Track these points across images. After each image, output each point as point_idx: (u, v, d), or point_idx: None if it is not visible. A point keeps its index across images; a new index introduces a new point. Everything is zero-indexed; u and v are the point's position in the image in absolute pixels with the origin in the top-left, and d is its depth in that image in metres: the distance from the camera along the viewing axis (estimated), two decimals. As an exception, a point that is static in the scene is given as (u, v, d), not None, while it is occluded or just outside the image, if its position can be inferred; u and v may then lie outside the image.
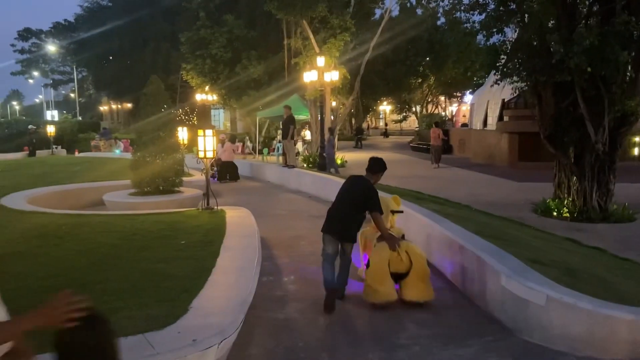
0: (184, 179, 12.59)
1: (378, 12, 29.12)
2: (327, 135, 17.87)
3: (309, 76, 18.71)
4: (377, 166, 5.62)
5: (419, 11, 35.41)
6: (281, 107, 18.57)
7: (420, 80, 44.19)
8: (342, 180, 6.24)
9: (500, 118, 22.13)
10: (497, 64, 10.79)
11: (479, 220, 8.17)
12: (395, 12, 32.85)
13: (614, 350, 4.01)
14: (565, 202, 10.31)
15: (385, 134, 52.20)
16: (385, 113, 61.14)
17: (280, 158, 18.89)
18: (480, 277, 5.41)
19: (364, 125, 54.18)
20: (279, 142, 20.81)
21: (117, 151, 28.38)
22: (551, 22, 9.83)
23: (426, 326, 4.91)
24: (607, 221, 9.81)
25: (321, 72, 17.40)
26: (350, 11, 21.49)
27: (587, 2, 10.16)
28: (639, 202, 10.70)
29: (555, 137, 10.21)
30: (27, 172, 17.64)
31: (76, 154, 29.28)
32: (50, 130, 29.67)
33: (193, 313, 4.11)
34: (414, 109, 49.45)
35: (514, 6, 9.88)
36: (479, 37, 12.78)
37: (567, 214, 10.14)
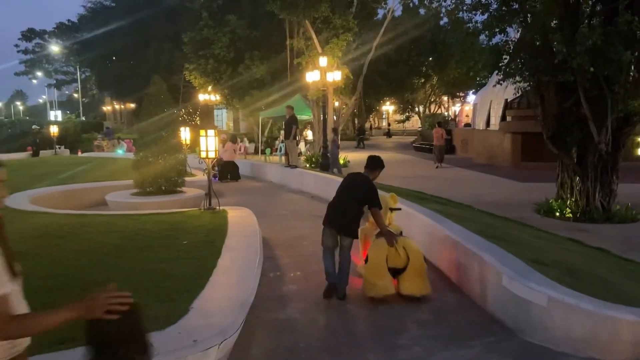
0: (186, 179, 12.61)
1: (381, 12, 29.11)
2: (329, 135, 17.87)
3: (311, 76, 18.70)
4: (375, 164, 5.82)
5: (422, 11, 35.37)
6: (284, 107, 18.58)
7: (423, 80, 44.10)
8: (344, 181, 6.35)
9: (503, 118, 22.08)
10: (500, 64, 10.77)
11: (481, 220, 8.15)
12: (398, 12, 32.89)
13: (616, 351, 3.99)
14: (568, 202, 10.28)
15: (388, 134, 52.17)
16: (388, 113, 61.09)
17: (283, 158, 18.90)
18: (481, 277, 5.39)
19: (367, 125, 54.19)
20: (282, 142, 20.83)
21: (120, 151, 28.43)
22: (554, 22, 9.81)
23: (427, 327, 4.90)
24: (610, 222, 9.78)
25: (324, 72, 17.38)
26: (353, 11, 21.48)
27: (590, 2, 10.13)
28: (643, 203, 10.67)
29: (558, 137, 10.19)
30: (30, 172, 17.68)
31: (79, 154, 29.34)
32: (54, 130, 29.77)
33: (194, 313, 4.11)
34: (416, 109, 49.37)
35: (517, 6, 9.86)
36: (482, 37, 12.74)
37: (570, 215, 10.11)
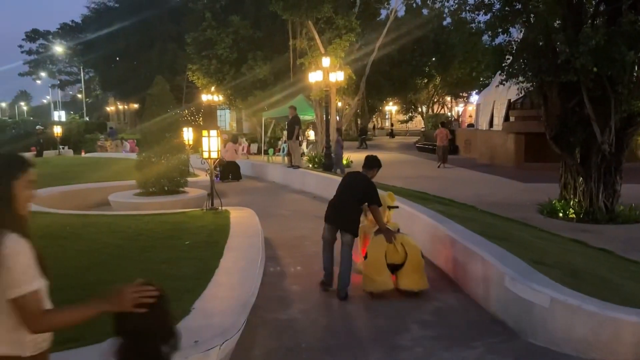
0: (189, 179, 12.62)
1: (384, 12, 29.08)
2: (332, 135, 17.86)
3: (314, 76, 18.71)
4: (372, 163, 6.01)
5: (425, 11, 35.37)
6: (287, 108, 18.58)
7: (426, 81, 44.05)
8: (346, 181, 6.39)
9: (507, 118, 22.03)
10: (503, 64, 10.74)
11: (484, 221, 8.13)
12: (401, 13, 32.87)
13: (619, 352, 3.97)
14: (571, 203, 10.24)
15: (391, 134, 52.13)
16: (391, 113, 61.05)
17: (286, 158, 18.91)
18: (484, 278, 5.38)
19: (370, 125, 54.15)
20: (284, 142, 20.83)
21: (123, 152, 28.50)
22: (557, 22, 9.78)
23: (429, 327, 4.89)
24: (613, 222, 9.73)
25: (326, 72, 17.38)
26: (356, 12, 21.45)
27: (593, 2, 10.10)
28: (646, 203, 10.62)
29: (561, 138, 10.15)
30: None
31: (82, 154, 29.41)
32: (57, 130, 29.84)
33: (195, 314, 4.12)
34: (420, 110, 49.33)
35: (520, 6, 9.83)
36: (485, 37, 12.75)
37: (573, 215, 10.08)
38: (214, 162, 9.74)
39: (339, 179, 11.90)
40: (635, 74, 9.26)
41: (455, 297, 5.73)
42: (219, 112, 46.54)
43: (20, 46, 62.55)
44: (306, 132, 26.44)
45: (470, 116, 39.42)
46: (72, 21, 59.92)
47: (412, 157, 26.76)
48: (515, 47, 10.41)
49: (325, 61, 17.34)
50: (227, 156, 16.99)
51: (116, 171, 16.59)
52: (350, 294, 5.71)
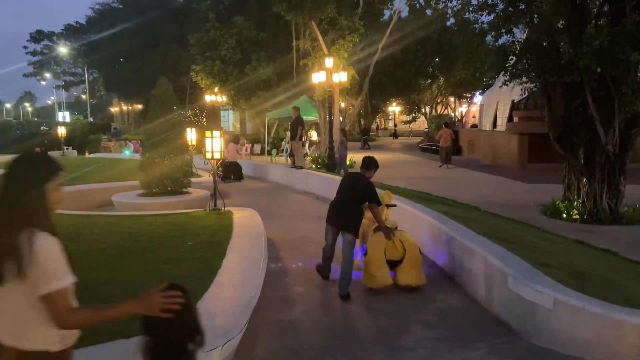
0: (192, 179, 12.64)
1: (387, 13, 29.08)
2: (335, 136, 17.85)
3: (317, 77, 18.70)
4: (369, 164, 6.20)
5: (429, 12, 35.28)
6: (290, 108, 18.59)
7: (429, 81, 43.98)
8: (349, 181, 6.49)
9: (510, 119, 21.98)
10: (506, 65, 10.71)
11: (486, 221, 8.11)
12: (405, 13, 32.82)
13: (623, 354, 3.95)
14: (575, 203, 10.20)
15: (395, 134, 52.10)
16: (394, 114, 61.01)
17: (289, 159, 18.91)
18: (487, 279, 5.37)
19: (373, 126, 54.12)
20: (287, 143, 20.84)
21: (127, 152, 28.56)
22: (560, 22, 9.75)
23: (432, 328, 4.88)
24: (617, 223, 9.70)
25: (330, 73, 17.38)
26: (359, 12, 21.45)
27: (597, 2, 10.06)
28: (650, 204, 10.58)
29: (564, 138, 10.12)
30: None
31: (86, 154, 29.51)
32: (61, 131, 29.95)
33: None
34: (423, 110, 49.27)
35: (523, 6, 9.80)
36: (488, 37, 12.68)
37: (577, 216, 10.04)
38: (217, 163, 9.74)
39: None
40: (639, 74, 9.23)
41: (458, 298, 5.72)
42: (222, 113, 46.62)
43: (25, 47, 62.81)
44: (309, 133, 26.44)
45: (474, 117, 39.39)
46: (77, 22, 60.12)
47: (415, 158, 26.72)
48: (518, 48, 10.38)
49: (329, 62, 17.34)
50: (228, 156, 17.03)
51: (120, 172, 16.63)
52: (352, 295, 5.70)
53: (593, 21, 9.57)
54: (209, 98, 29.52)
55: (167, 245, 6.77)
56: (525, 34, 10.72)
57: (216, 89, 28.94)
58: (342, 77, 18.17)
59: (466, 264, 5.95)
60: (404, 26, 29.79)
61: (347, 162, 19.00)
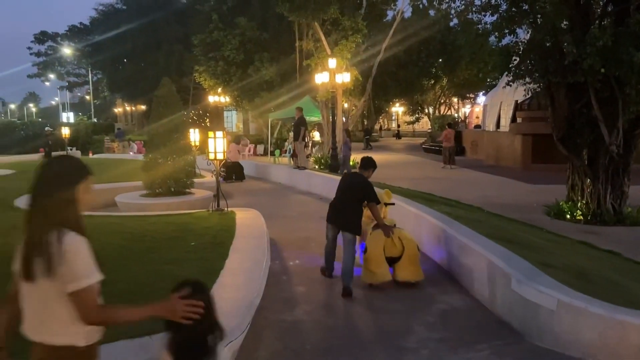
0: (195, 180, 12.65)
1: (390, 13, 29.02)
2: (338, 136, 17.83)
3: (320, 78, 18.67)
4: (368, 164, 6.35)
5: (432, 12, 35.23)
6: (293, 109, 18.58)
7: (432, 82, 43.88)
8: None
9: (513, 120, 21.92)
10: (510, 65, 10.69)
11: (490, 222, 8.10)
12: (408, 14, 32.77)
13: (626, 355, 3.93)
14: (579, 204, 10.17)
15: (398, 135, 52.04)
16: (397, 114, 60.92)
17: (292, 160, 18.91)
18: (490, 280, 5.36)
19: (377, 126, 54.04)
20: (290, 143, 20.83)
21: (131, 153, 28.61)
22: (564, 22, 9.72)
23: (435, 329, 4.87)
24: (621, 224, 9.67)
25: (333, 73, 17.36)
26: (362, 13, 21.41)
27: (600, 3, 10.03)
28: (655, 205, 10.54)
29: (568, 139, 10.09)
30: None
31: (90, 155, 29.58)
32: (65, 132, 30.03)
33: (200, 315, 4.11)
34: (426, 111, 49.19)
35: (527, 7, 9.77)
36: (492, 38, 12.69)
37: (581, 217, 10.01)
38: (220, 164, 9.75)
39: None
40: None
41: (461, 299, 5.71)
42: (225, 114, 46.63)
43: (29, 48, 63.00)
44: (311, 134, 26.42)
45: (477, 117, 39.25)
46: (81, 23, 60.23)
47: (418, 158, 26.69)
48: (522, 48, 10.36)
49: (332, 62, 17.32)
50: (230, 157, 17.08)
51: (123, 172, 16.66)
52: (354, 295, 5.70)
53: (597, 21, 9.54)
54: (212, 99, 29.54)
55: (170, 246, 6.78)
56: (528, 35, 10.69)
57: (219, 90, 28.96)
58: (345, 77, 18.14)
59: (469, 264, 5.94)
60: (407, 27, 29.74)
61: (352, 163, 18.99)
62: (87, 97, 72.19)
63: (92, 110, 65.83)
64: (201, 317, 2.04)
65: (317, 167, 18.95)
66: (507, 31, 10.16)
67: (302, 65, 22.97)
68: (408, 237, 6.13)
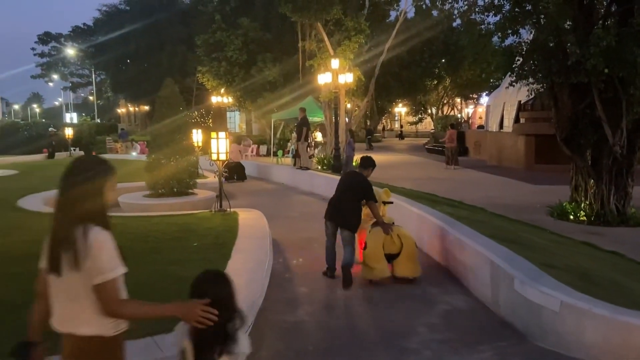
0: (198, 180, 12.67)
1: (393, 14, 29.02)
2: (341, 137, 17.82)
3: (323, 78, 18.69)
4: (367, 163, 6.54)
5: (435, 13, 35.19)
6: (296, 109, 18.57)
7: (435, 82, 43.86)
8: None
9: (517, 120, 21.89)
10: (513, 66, 10.66)
11: (493, 223, 8.08)
12: (411, 14, 32.73)
13: (630, 357, 3.91)
14: (582, 205, 10.14)
15: (401, 135, 52.04)
16: (400, 115, 60.90)
17: (296, 160, 18.92)
18: (493, 281, 5.34)
19: (380, 127, 54.03)
20: (293, 144, 20.82)
21: (134, 153, 28.65)
22: (567, 23, 9.69)
23: (438, 330, 4.86)
24: (624, 225, 9.63)
25: (335, 74, 17.37)
26: (365, 13, 21.41)
27: (604, 3, 10.00)
28: (659, 206, 10.49)
29: (571, 140, 10.06)
30: (45, 174, 17.90)
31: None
32: (69, 132, 30.11)
33: (202, 315, 4.11)
34: (429, 111, 49.16)
35: (530, 7, 9.74)
36: (495, 38, 12.65)
37: (584, 218, 9.98)
38: (222, 164, 9.76)
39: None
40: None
41: (464, 299, 5.70)
42: (228, 114, 46.71)
43: (33, 49, 63.18)
44: (313, 134, 26.42)
45: (480, 118, 39.26)
46: (84, 24, 60.36)
47: (421, 159, 26.65)
48: (525, 49, 10.33)
49: (335, 63, 17.33)
50: (232, 157, 17.13)
51: (126, 172, 16.68)
52: (355, 296, 5.70)
53: (600, 22, 9.50)
54: (215, 99, 29.58)
55: (172, 247, 6.79)
56: (531, 35, 10.67)
57: (222, 90, 28.99)
58: (348, 78, 18.14)
59: (472, 265, 5.92)
60: (410, 27, 29.70)
61: (355, 164, 18.98)
62: (91, 98, 72.40)
63: (96, 110, 65.97)
64: (223, 307, 2.14)
65: (320, 167, 18.96)
66: (510, 31, 10.14)
67: (304, 66, 22.98)
68: (406, 234, 6.28)
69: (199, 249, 6.61)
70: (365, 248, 6.21)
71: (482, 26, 11.72)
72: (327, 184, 13.66)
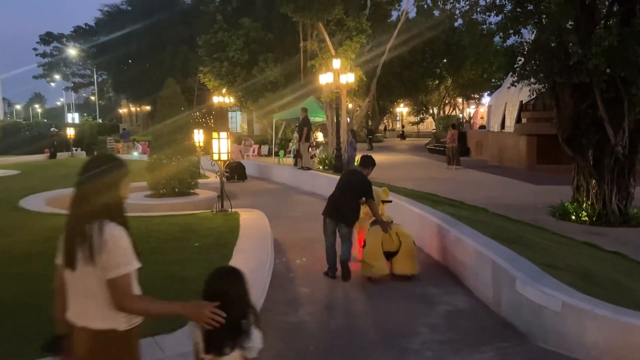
0: (199, 181, 12.67)
1: (395, 14, 28.97)
2: (343, 137, 17.81)
3: (324, 78, 18.67)
4: (367, 162, 6.71)
5: (436, 13, 35.15)
6: (297, 109, 18.57)
7: (437, 82, 43.80)
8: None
9: (518, 120, 21.86)
10: (515, 66, 10.65)
11: (494, 223, 8.07)
12: (412, 14, 32.71)
13: (632, 358, 3.90)
14: (584, 205, 10.12)
15: (402, 136, 52.02)
16: (402, 115, 60.87)
17: (298, 160, 18.93)
18: (494, 281, 5.33)
19: (381, 127, 54.00)
20: (294, 144, 20.83)
21: (136, 154, 28.67)
22: (569, 23, 9.67)
23: (439, 331, 4.85)
24: (627, 225, 9.61)
25: (337, 74, 17.35)
26: (367, 13, 21.39)
27: (606, 3, 9.98)
28: (661, 206, 10.47)
29: (573, 140, 10.04)
30: (47, 174, 17.94)
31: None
32: (70, 132, 30.14)
33: (204, 316, 4.11)
34: (431, 111, 49.12)
35: (531, 7, 9.73)
36: (496, 38, 12.64)
37: (586, 218, 9.96)
38: (224, 164, 9.76)
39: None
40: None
41: (466, 300, 5.69)
42: (230, 114, 46.71)
43: (35, 49, 63.33)
44: (314, 134, 26.41)
45: (482, 118, 39.19)
46: (86, 24, 60.51)
47: (423, 159, 26.64)
48: (526, 49, 10.32)
49: (336, 63, 17.31)
50: (232, 157, 17.16)
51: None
52: (357, 296, 5.69)
53: (602, 21, 9.49)
54: (216, 99, 29.59)
55: (174, 247, 6.79)
56: (533, 35, 10.65)
57: (224, 90, 29.00)
58: (349, 78, 18.12)
59: (473, 266, 5.91)
60: (412, 27, 29.66)
61: (356, 164, 18.97)
62: (92, 98, 72.51)
63: (97, 110, 66.06)
64: (236, 302, 2.19)
65: (321, 167, 18.95)
66: (511, 31, 10.12)
67: (306, 66, 22.97)
68: (405, 232, 6.37)
69: (200, 249, 6.61)
70: (364, 246, 6.32)
71: (484, 26, 11.73)
72: (329, 184, 13.64)
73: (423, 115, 50.75)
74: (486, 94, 45.35)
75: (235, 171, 17.46)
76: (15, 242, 7.22)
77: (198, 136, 15.63)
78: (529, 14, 9.84)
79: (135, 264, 2.15)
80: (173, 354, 3.32)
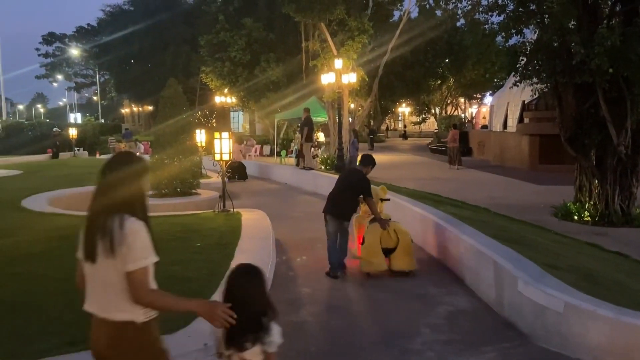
0: (201, 181, 12.67)
1: (397, 14, 28.96)
2: (345, 137, 17.80)
3: (326, 78, 18.66)
4: (367, 161, 6.86)
5: (438, 12, 35.11)
6: (299, 109, 18.58)
7: (439, 82, 43.73)
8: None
9: (521, 120, 21.82)
10: (517, 66, 10.63)
11: (496, 223, 8.05)
12: (414, 14, 32.69)
13: (634, 359, 3.89)
14: (587, 205, 10.10)
15: (404, 135, 51.97)
16: (404, 115, 60.80)
17: (300, 160, 18.93)
18: (497, 282, 5.32)
19: (383, 127, 53.95)
20: (296, 144, 20.83)
21: (137, 154, 28.70)
22: (572, 22, 9.65)
23: (441, 331, 4.84)
24: (629, 225, 9.59)
25: (339, 74, 17.34)
26: (369, 13, 21.38)
27: (608, 2, 9.95)
28: (664, 206, 10.43)
29: (576, 140, 10.02)
30: (49, 174, 17.96)
31: (97, 156, 29.71)
32: (73, 132, 30.19)
33: (205, 316, 4.10)
34: (433, 111, 49.05)
35: (534, 7, 9.71)
36: (498, 38, 12.63)
37: (589, 218, 9.94)
38: (225, 164, 9.76)
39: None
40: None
41: (468, 301, 5.68)
42: (232, 114, 46.72)
43: (37, 49, 63.50)
44: (315, 134, 26.41)
45: (484, 118, 39.12)
46: (88, 24, 60.65)
47: (425, 159, 26.61)
48: (529, 48, 10.30)
49: (338, 63, 17.30)
50: (234, 157, 17.20)
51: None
52: (358, 297, 5.69)
53: (605, 21, 9.47)
54: (218, 99, 29.61)
55: (175, 247, 6.78)
56: (535, 35, 10.63)
57: (226, 90, 29.01)
58: (351, 78, 18.11)
59: (475, 266, 5.90)
60: (414, 27, 29.64)
61: (357, 163, 18.95)
62: (95, 98, 72.62)
63: (100, 110, 66.19)
64: (255, 301, 2.24)
65: (323, 167, 18.95)
66: (514, 31, 10.10)
67: (308, 66, 22.96)
68: (403, 229, 6.50)
69: (202, 249, 6.61)
70: (363, 243, 6.45)
71: (486, 26, 11.71)
72: (331, 184, 13.55)
73: (425, 115, 50.66)
74: (488, 93, 45.25)
75: (236, 171, 17.53)
76: (17, 242, 7.23)
77: (200, 136, 15.63)
78: (531, 13, 9.82)
79: (154, 258, 2.20)
80: (173, 354, 3.31)
